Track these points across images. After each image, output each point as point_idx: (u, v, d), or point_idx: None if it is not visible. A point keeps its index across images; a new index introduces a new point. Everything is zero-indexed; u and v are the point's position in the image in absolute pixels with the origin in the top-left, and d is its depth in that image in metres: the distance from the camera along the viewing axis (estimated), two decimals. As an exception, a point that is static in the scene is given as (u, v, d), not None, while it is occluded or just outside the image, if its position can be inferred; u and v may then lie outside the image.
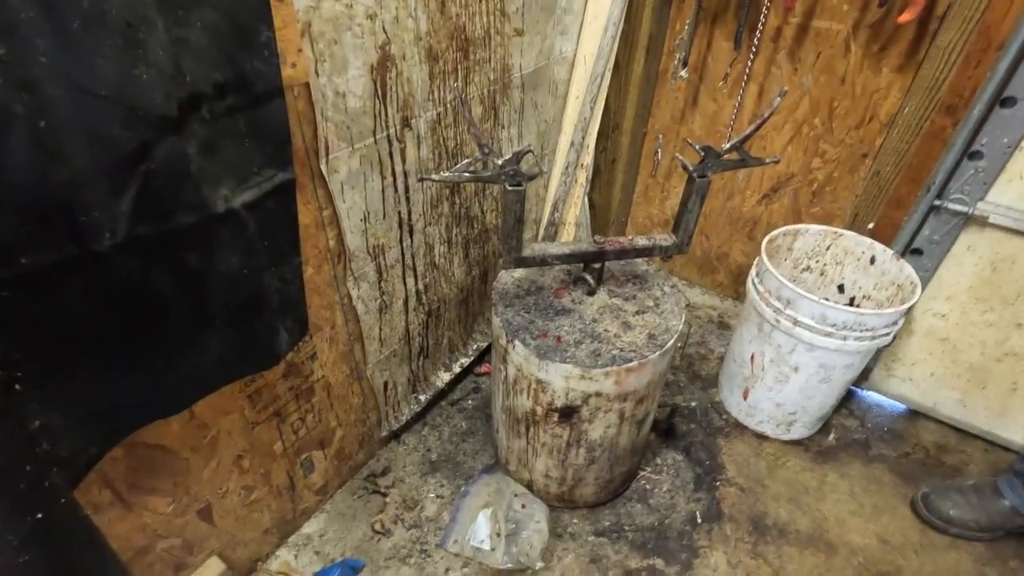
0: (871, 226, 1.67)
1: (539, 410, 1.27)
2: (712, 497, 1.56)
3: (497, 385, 1.39)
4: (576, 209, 1.83)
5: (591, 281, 1.31)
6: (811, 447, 1.70)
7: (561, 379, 1.18)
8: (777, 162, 1.26)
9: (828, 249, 1.68)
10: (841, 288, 1.70)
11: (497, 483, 1.49)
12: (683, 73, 1.85)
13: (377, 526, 1.44)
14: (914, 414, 1.80)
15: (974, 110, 1.32)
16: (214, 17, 0.73)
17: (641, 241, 1.26)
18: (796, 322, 1.42)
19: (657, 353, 1.18)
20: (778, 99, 1.08)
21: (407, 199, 1.27)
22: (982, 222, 1.43)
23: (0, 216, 0.62)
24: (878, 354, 1.74)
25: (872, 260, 1.60)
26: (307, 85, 0.93)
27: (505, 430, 1.43)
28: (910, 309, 1.40)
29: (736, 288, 2.20)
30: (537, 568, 1.36)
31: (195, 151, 0.77)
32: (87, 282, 0.72)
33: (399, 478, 1.56)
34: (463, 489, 1.50)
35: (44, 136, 0.62)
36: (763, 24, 1.62)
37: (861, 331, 1.37)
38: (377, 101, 1.08)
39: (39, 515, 0.55)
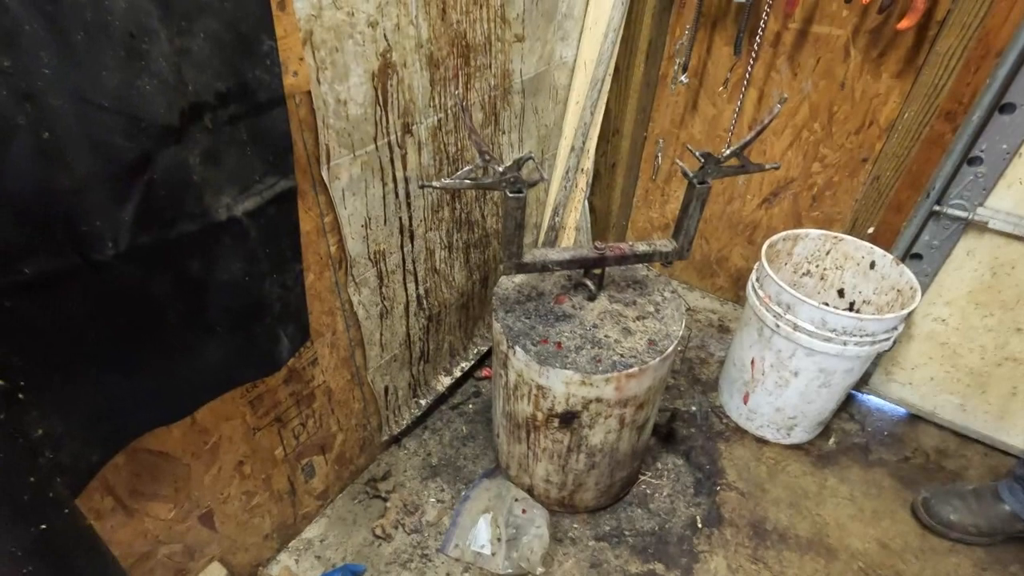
0: (871, 231, 1.68)
1: (540, 415, 1.27)
2: (712, 502, 1.56)
3: (498, 390, 1.39)
4: (576, 213, 1.83)
5: (592, 287, 1.31)
6: (811, 451, 1.70)
7: (562, 385, 1.18)
8: (777, 168, 1.26)
9: (828, 254, 1.68)
10: (841, 292, 1.71)
11: (498, 488, 1.49)
12: (683, 78, 1.85)
13: (378, 531, 1.44)
14: (914, 418, 1.80)
15: (973, 116, 1.32)
16: (216, 27, 0.73)
17: (641, 247, 1.26)
18: (796, 327, 1.42)
19: (657, 359, 1.18)
20: (778, 106, 1.09)
21: (408, 205, 1.28)
22: (982, 227, 1.44)
23: (2, 225, 0.62)
24: (878, 358, 1.74)
25: (872, 265, 1.60)
26: (309, 93, 0.94)
27: (506, 435, 1.43)
28: (910, 314, 1.40)
29: (736, 292, 2.21)
30: (538, 573, 1.36)
31: (197, 160, 0.77)
32: (89, 290, 0.72)
33: (400, 483, 1.57)
34: (464, 494, 1.50)
35: (47, 146, 0.63)
36: (763, 29, 1.62)
37: (861, 336, 1.38)
38: (378, 108, 1.08)
39: (43, 526, 0.55)
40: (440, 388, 1.71)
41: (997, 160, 1.36)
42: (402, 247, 1.32)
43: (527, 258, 1.20)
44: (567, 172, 1.72)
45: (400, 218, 1.27)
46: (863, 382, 1.82)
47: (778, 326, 1.46)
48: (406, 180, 1.23)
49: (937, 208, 1.46)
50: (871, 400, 1.85)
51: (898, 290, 1.52)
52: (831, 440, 1.73)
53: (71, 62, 0.62)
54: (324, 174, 1.03)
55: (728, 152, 1.12)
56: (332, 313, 1.22)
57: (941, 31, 1.37)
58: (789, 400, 1.58)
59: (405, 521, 1.47)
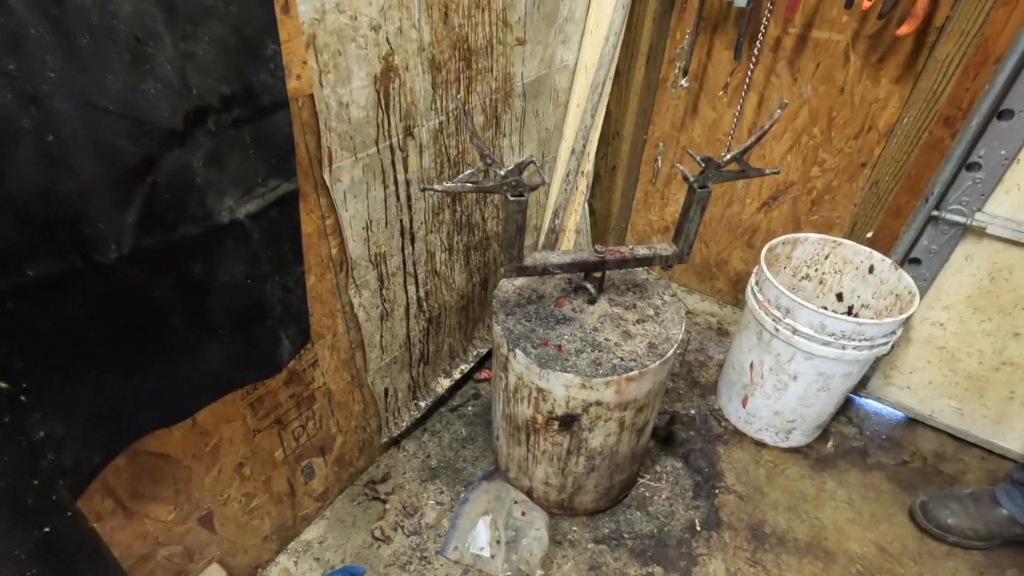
0: (870, 235, 1.68)
1: (539, 418, 1.27)
2: (711, 505, 1.56)
3: (498, 393, 1.39)
4: (576, 216, 1.84)
5: (592, 290, 1.32)
6: (810, 455, 1.70)
7: (562, 388, 1.18)
8: (777, 173, 1.27)
9: (827, 258, 1.69)
10: (840, 296, 1.71)
11: (497, 490, 1.49)
12: (683, 82, 1.86)
13: (377, 533, 1.44)
14: (912, 422, 1.80)
15: (972, 122, 1.33)
16: (221, 31, 0.73)
17: (642, 250, 1.26)
18: (795, 331, 1.43)
19: (657, 363, 1.19)
20: (778, 111, 1.09)
21: (409, 207, 1.28)
22: (980, 232, 1.44)
23: (6, 229, 0.63)
24: (877, 362, 1.75)
25: (871, 269, 1.60)
26: (311, 96, 0.94)
27: (505, 437, 1.44)
28: (908, 318, 1.41)
29: (735, 295, 2.21)
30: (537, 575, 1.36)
31: (200, 163, 0.77)
32: (92, 293, 0.72)
33: (399, 484, 1.57)
34: (463, 496, 1.51)
35: (51, 150, 0.63)
36: (763, 34, 1.63)
37: (860, 340, 1.38)
38: (380, 111, 1.09)
39: (46, 529, 0.55)
40: (440, 390, 1.71)
41: (995, 166, 1.36)
42: (403, 249, 1.32)
43: (527, 261, 1.20)
44: (567, 175, 1.73)
45: (401, 220, 1.27)
46: (861, 386, 1.83)
47: (777, 330, 1.46)
48: (407, 183, 1.24)
49: (936, 213, 1.47)
50: (869, 404, 1.86)
51: (896, 294, 1.53)
52: (829, 444, 1.73)
53: (76, 66, 0.62)
54: (326, 177, 1.03)
55: (728, 157, 1.13)
56: (333, 315, 1.22)
57: (940, 37, 1.38)
58: (788, 404, 1.58)
59: (404, 523, 1.47)
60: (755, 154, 1.87)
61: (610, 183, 2.06)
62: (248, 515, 1.24)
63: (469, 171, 1.03)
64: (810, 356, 1.44)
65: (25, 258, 0.65)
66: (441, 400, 1.76)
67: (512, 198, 1.07)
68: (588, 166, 1.77)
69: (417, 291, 1.44)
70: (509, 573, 1.35)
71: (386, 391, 1.51)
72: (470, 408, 1.80)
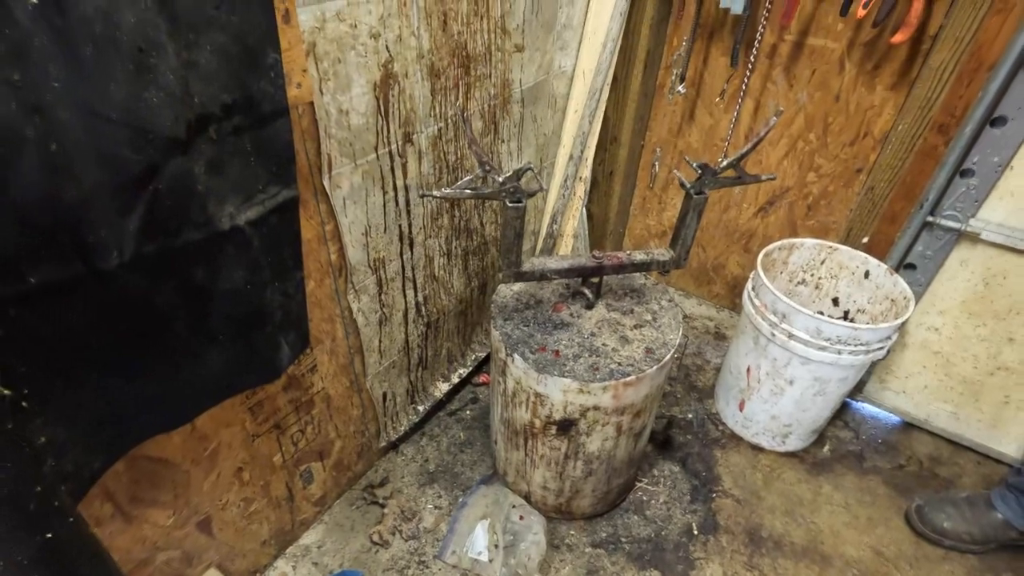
0: (865, 240, 1.69)
1: (537, 423, 1.28)
2: (708, 509, 1.57)
3: (496, 397, 1.40)
4: (574, 221, 1.85)
5: (589, 295, 1.32)
6: (806, 459, 1.71)
7: (559, 393, 1.19)
8: (773, 179, 1.28)
9: (823, 263, 1.70)
10: (836, 301, 1.72)
11: (495, 494, 1.50)
12: (680, 88, 1.87)
13: (375, 537, 1.44)
14: (908, 426, 1.81)
15: (966, 129, 1.34)
16: (223, 40, 0.74)
17: (639, 256, 1.27)
18: (791, 336, 1.44)
19: (654, 367, 1.19)
20: (774, 119, 1.10)
21: (408, 212, 1.29)
22: (974, 238, 1.46)
23: (10, 236, 0.63)
24: (872, 367, 1.76)
25: (866, 274, 1.62)
26: (311, 104, 0.95)
27: (503, 442, 1.44)
28: (904, 323, 1.42)
29: (732, 299, 2.22)
30: (534, 580, 1.36)
31: (202, 170, 0.78)
32: (94, 299, 0.72)
33: (397, 489, 1.57)
34: (461, 500, 1.51)
35: (55, 158, 0.63)
36: (759, 41, 1.64)
37: (855, 345, 1.39)
38: (380, 118, 1.10)
39: (48, 535, 0.56)
40: (438, 394, 1.71)
41: (989, 172, 1.38)
42: (401, 254, 1.33)
43: (525, 267, 1.21)
44: (565, 180, 1.74)
45: (400, 226, 1.28)
46: (858, 390, 1.84)
47: (773, 335, 1.47)
48: (406, 188, 1.25)
49: (930, 219, 1.48)
50: (866, 408, 1.87)
51: (892, 300, 1.54)
52: (826, 448, 1.74)
53: (80, 75, 0.63)
54: (326, 183, 1.04)
55: (724, 163, 1.14)
56: (332, 320, 1.22)
57: (934, 45, 1.39)
58: (784, 408, 1.59)
59: (403, 527, 1.47)
60: (752, 159, 1.88)
61: (608, 188, 2.07)
62: (246, 520, 1.24)
63: (468, 177, 1.04)
64: (806, 361, 1.45)
65: (28, 265, 0.65)
66: (439, 404, 1.76)
67: (510, 204, 1.08)
68: (586, 171, 1.78)
69: (416, 296, 1.44)
70: (507, 577, 1.35)
71: (384, 395, 1.51)
72: (468, 412, 1.81)
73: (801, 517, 1.56)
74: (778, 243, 1.65)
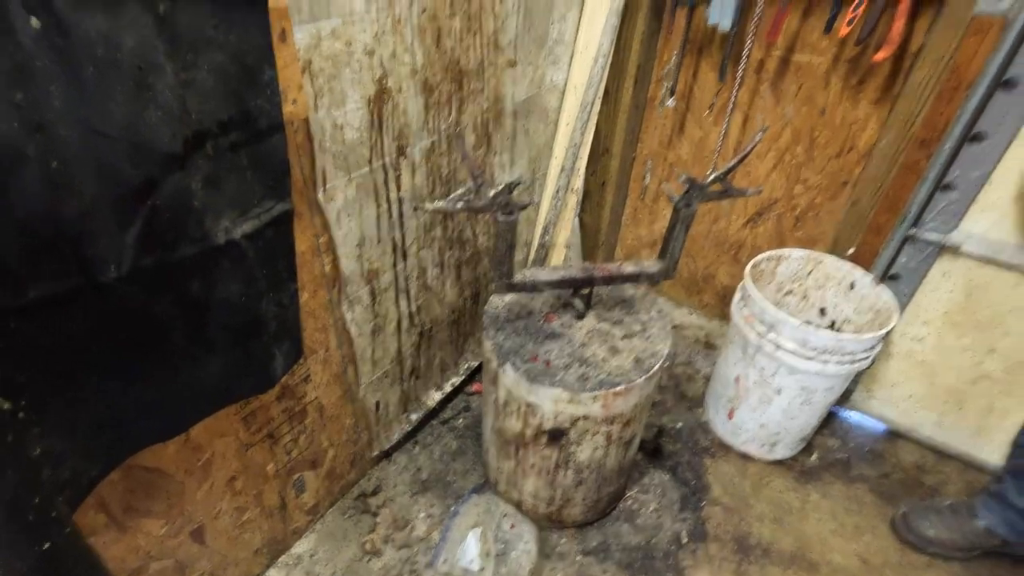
0: (851, 252, 1.72)
1: (528, 432, 1.29)
2: (697, 517, 1.58)
3: (488, 407, 1.41)
4: (567, 231, 1.87)
5: (580, 306, 1.34)
6: (794, 467, 1.73)
7: (550, 402, 1.20)
8: (760, 192, 1.30)
9: (810, 274, 1.73)
10: (823, 311, 1.75)
11: (487, 503, 1.51)
12: (670, 101, 1.90)
13: (367, 546, 1.45)
14: (894, 435, 1.84)
15: (946, 145, 1.38)
16: (221, 59, 0.76)
17: (629, 267, 1.30)
18: (779, 346, 1.46)
19: (644, 377, 1.21)
20: (759, 134, 1.13)
21: (401, 224, 1.31)
22: (955, 251, 1.49)
23: (10, 249, 0.65)
24: (859, 376, 1.79)
25: (852, 285, 1.65)
26: (306, 120, 0.97)
27: (495, 451, 1.46)
28: (888, 333, 1.45)
29: (722, 309, 2.25)
30: (525, 588, 1.37)
31: (199, 186, 0.80)
32: (92, 311, 0.74)
33: (390, 498, 1.58)
34: (453, 509, 1.52)
35: (55, 175, 0.65)
36: (747, 56, 1.68)
37: (841, 355, 1.42)
38: (374, 132, 1.12)
39: (46, 544, 0.57)
40: (431, 403, 1.73)
41: (969, 187, 1.41)
42: (395, 266, 1.35)
43: (517, 278, 1.23)
44: (557, 191, 1.76)
45: (393, 237, 1.30)
46: (844, 399, 1.86)
47: (761, 344, 1.50)
48: (400, 201, 1.26)
49: (913, 232, 1.51)
50: (852, 417, 1.89)
51: (877, 310, 1.57)
52: (814, 456, 1.77)
53: (81, 95, 0.64)
54: (320, 196, 1.06)
55: (712, 177, 1.16)
56: (325, 330, 1.24)
57: (916, 63, 1.43)
58: (772, 416, 1.61)
59: (395, 536, 1.48)
60: (741, 172, 1.91)
61: (600, 199, 2.10)
62: (239, 529, 1.25)
63: (460, 190, 1.06)
64: (793, 370, 1.48)
65: (28, 278, 0.67)
66: (432, 413, 1.77)
67: (502, 217, 1.10)
68: (578, 183, 1.80)
69: (409, 306, 1.46)
70: (498, 586, 1.36)
71: (377, 405, 1.52)
72: (461, 421, 1.82)
73: (789, 525, 1.58)
74: (766, 254, 1.68)
